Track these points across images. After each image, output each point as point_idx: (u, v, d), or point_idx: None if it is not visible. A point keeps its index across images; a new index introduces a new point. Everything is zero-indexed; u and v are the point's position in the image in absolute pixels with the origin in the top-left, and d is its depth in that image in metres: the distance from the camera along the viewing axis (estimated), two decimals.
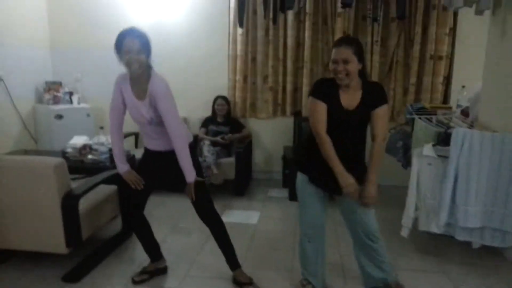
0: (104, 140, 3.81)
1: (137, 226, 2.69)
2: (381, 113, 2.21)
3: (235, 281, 2.65)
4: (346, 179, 2.16)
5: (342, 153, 2.21)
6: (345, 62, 2.10)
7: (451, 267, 2.92)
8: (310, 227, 2.44)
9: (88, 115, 4.97)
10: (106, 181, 3.10)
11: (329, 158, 2.19)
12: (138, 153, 4.32)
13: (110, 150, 3.73)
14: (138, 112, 2.34)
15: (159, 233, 3.42)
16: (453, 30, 4.60)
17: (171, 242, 3.24)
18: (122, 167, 2.51)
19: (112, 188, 3.25)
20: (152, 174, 2.55)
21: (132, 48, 2.15)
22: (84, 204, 2.75)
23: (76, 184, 2.77)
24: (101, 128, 3.88)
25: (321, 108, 2.20)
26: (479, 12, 3.30)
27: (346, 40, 2.22)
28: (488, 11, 3.37)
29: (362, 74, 2.22)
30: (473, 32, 4.34)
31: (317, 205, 2.39)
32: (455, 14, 4.54)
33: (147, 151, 2.59)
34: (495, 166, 2.80)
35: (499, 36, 3.34)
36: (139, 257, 2.98)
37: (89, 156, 3.70)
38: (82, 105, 5.04)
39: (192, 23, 4.96)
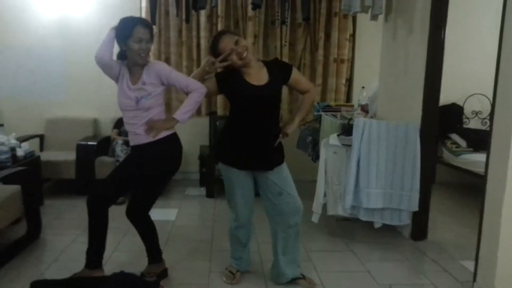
0: (4, 139, 3.52)
1: (99, 221, 2.47)
2: (296, 76, 2.41)
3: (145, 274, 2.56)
4: None
5: (261, 132, 2.35)
6: (237, 42, 2.24)
7: (357, 246, 3.18)
8: (242, 215, 2.49)
9: None
10: (7, 179, 2.90)
11: None
12: (43, 156, 4.11)
13: (12, 149, 3.47)
14: (126, 95, 2.32)
15: (70, 235, 3.26)
16: (353, 36, 5.04)
17: (84, 243, 3.09)
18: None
19: (15, 188, 3.03)
20: (130, 172, 2.45)
21: (144, 37, 2.23)
22: None
23: None
24: (1, 125, 3.59)
25: (212, 83, 2.37)
26: (373, 17, 3.65)
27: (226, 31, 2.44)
28: (382, 18, 3.77)
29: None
30: (370, 38, 4.79)
31: (246, 191, 2.45)
32: (354, 21, 4.98)
33: (131, 151, 2.54)
34: (391, 152, 3.14)
35: (391, 40, 3.75)
36: (47, 259, 2.83)
37: None
38: None
39: (101, 21, 4.72)
